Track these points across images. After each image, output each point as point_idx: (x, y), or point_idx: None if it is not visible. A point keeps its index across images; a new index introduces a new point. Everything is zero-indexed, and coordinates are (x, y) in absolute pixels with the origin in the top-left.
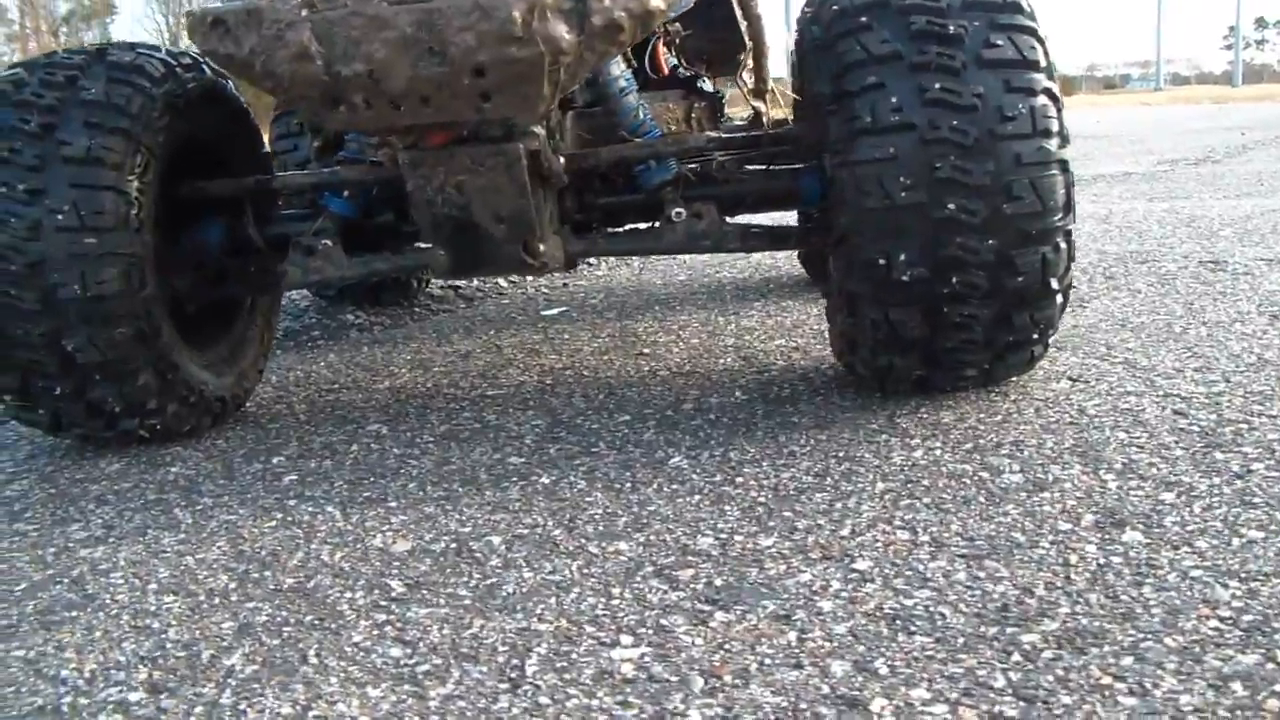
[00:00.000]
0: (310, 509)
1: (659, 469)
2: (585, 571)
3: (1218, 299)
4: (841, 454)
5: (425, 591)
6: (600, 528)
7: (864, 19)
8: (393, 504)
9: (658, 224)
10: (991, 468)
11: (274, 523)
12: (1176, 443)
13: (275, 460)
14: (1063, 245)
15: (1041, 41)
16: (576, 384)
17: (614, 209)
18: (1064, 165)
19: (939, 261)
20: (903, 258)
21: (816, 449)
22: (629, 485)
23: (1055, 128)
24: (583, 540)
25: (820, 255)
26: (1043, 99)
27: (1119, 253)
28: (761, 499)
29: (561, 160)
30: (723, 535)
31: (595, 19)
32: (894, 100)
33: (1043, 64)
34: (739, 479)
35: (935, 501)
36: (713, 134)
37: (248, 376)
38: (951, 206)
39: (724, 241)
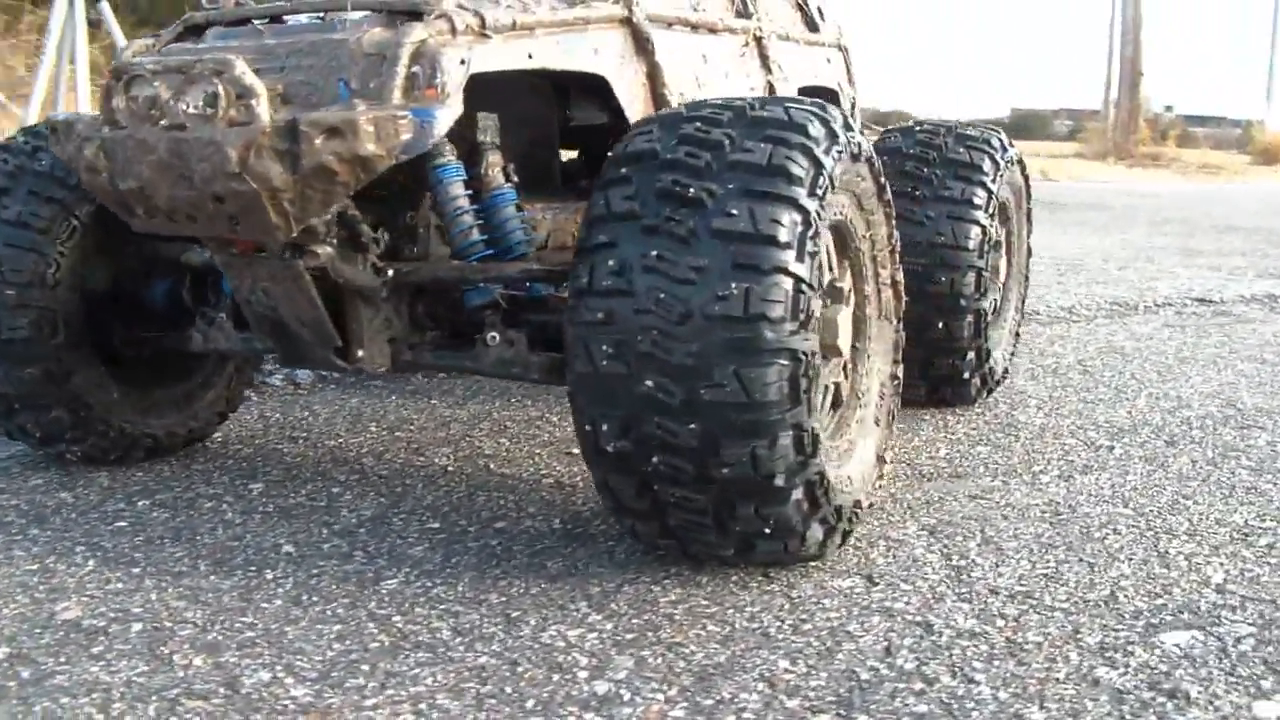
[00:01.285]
0: (82, 558)
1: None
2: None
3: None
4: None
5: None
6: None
7: (624, 170)
8: (132, 571)
9: (475, 346)
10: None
11: (35, 566)
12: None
13: (135, 504)
14: (785, 441)
15: (803, 213)
16: (462, 483)
17: (456, 325)
18: (792, 354)
19: (640, 438)
20: (605, 428)
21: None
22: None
23: (780, 312)
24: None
25: None
26: (775, 278)
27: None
28: (443, 635)
29: (389, 274)
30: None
31: (305, 161)
32: (614, 263)
33: (783, 239)
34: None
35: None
36: (535, 265)
37: (199, 418)
38: (650, 383)
39: (528, 372)
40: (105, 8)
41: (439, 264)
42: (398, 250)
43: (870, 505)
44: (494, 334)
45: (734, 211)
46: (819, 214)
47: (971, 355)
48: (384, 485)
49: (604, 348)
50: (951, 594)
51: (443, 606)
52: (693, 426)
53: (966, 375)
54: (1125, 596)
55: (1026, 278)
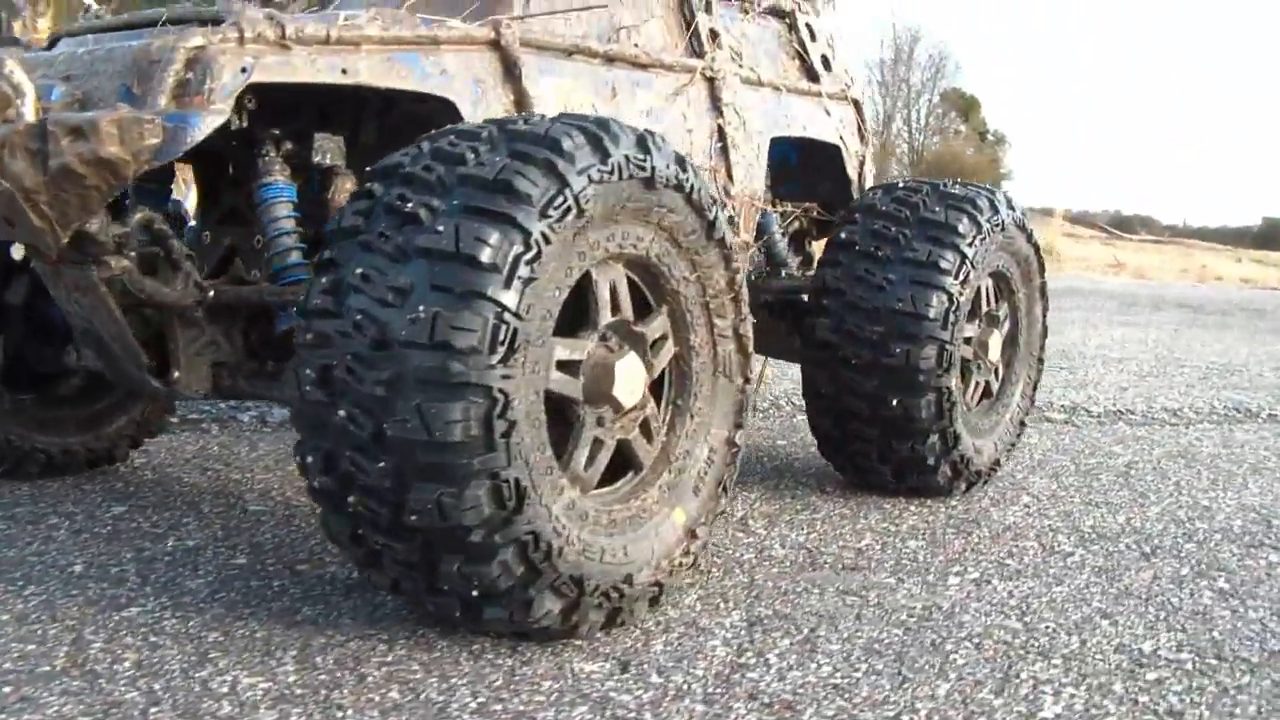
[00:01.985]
0: None
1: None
2: None
3: None
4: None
5: None
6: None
7: (371, 185)
8: None
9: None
10: None
11: None
12: None
13: None
14: (477, 491)
15: (523, 234)
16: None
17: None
18: (486, 391)
19: (339, 475)
20: (310, 461)
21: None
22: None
23: (470, 343)
24: None
25: None
26: (475, 304)
27: None
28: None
29: (209, 294)
30: None
31: (52, 162)
32: (327, 281)
33: (486, 260)
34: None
35: None
36: None
37: (104, 440)
38: (342, 413)
39: None
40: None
41: (258, 287)
42: (248, 271)
43: (662, 585)
44: None
45: (440, 228)
46: (547, 238)
47: (935, 439)
48: (242, 520)
49: (308, 372)
50: (699, 693)
51: (153, 639)
52: (382, 465)
53: (930, 461)
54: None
55: (1040, 360)
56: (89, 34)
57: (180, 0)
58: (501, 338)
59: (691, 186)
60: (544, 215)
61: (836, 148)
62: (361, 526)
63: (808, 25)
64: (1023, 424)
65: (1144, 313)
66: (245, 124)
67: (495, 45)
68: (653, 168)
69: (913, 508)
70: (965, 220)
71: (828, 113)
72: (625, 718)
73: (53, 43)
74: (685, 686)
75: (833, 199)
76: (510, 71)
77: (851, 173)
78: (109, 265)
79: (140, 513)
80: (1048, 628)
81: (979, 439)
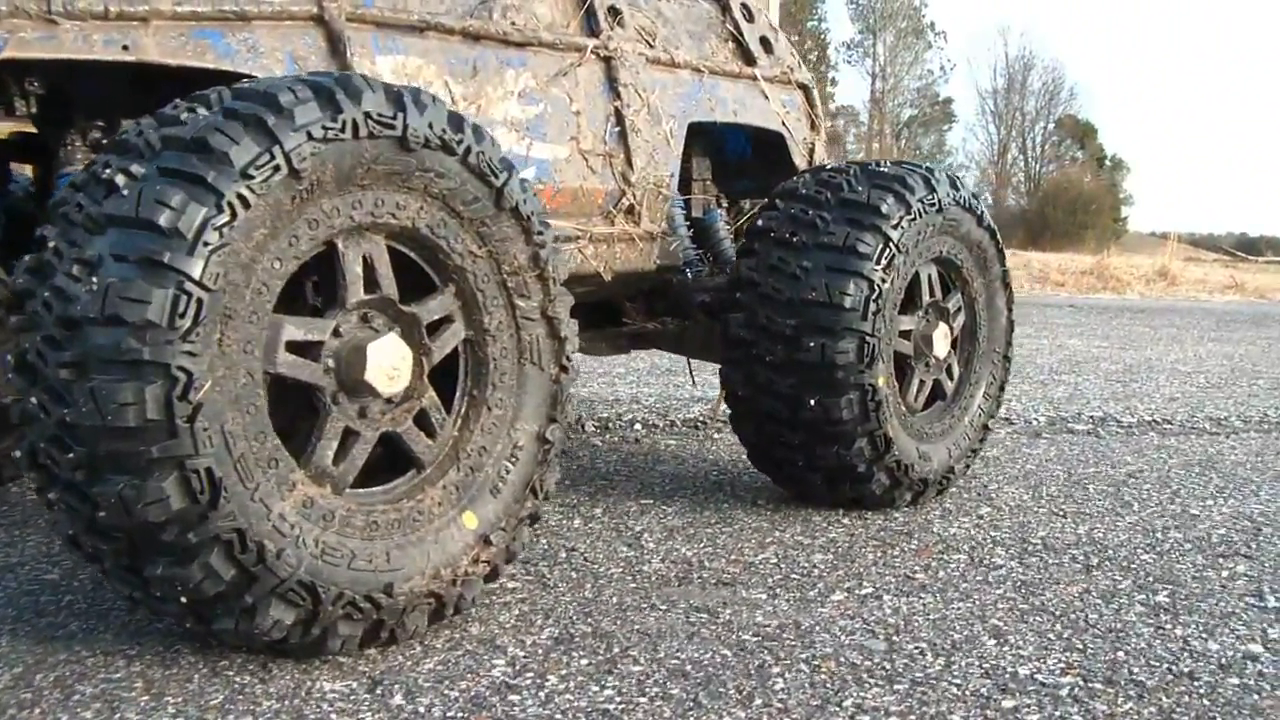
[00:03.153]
0: None
1: None
2: None
3: None
4: None
5: None
6: None
7: (96, 157)
8: None
9: None
10: None
11: None
12: None
13: None
14: (162, 483)
15: (215, 195)
16: None
17: None
18: (163, 370)
19: (41, 469)
20: (18, 454)
21: None
22: None
23: (146, 316)
24: None
25: None
26: (151, 273)
27: None
28: None
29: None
30: None
31: None
32: (32, 259)
33: (168, 226)
34: None
35: None
36: None
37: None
38: (34, 400)
39: None
40: None
41: None
42: None
43: (441, 597)
44: None
45: (126, 193)
46: (246, 200)
47: (862, 444)
48: None
49: (9, 358)
50: (436, 718)
51: None
52: (71, 456)
53: (861, 469)
54: None
55: (1006, 358)
56: None
57: None
58: (182, 310)
59: (467, 148)
60: (245, 176)
61: (780, 135)
62: (71, 526)
63: (744, 6)
64: (986, 428)
65: (1241, 329)
66: (32, 110)
67: (319, 20)
68: (405, 125)
69: (845, 520)
70: (891, 200)
71: (765, 96)
72: None
73: None
74: (425, 711)
75: None
76: (335, 48)
77: (799, 161)
78: None
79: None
80: (916, 649)
81: (926, 444)
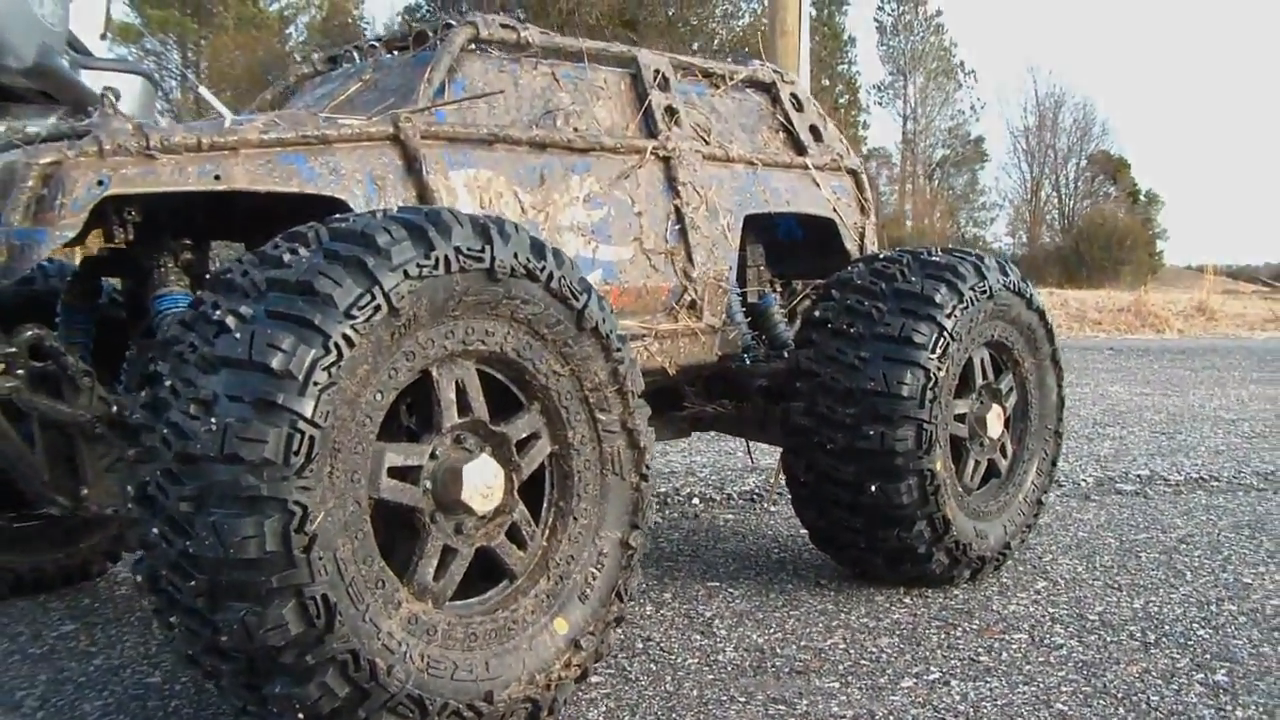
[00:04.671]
0: None
1: None
2: None
3: None
4: None
5: None
6: None
7: (200, 293)
8: None
9: None
10: None
11: None
12: None
13: None
14: (282, 610)
15: (322, 337)
16: None
17: None
18: (280, 504)
19: (162, 594)
20: (139, 578)
21: None
22: None
23: (263, 455)
24: None
25: None
26: (267, 414)
27: None
28: None
29: (112, 408)
30: None
31: None
32: (147, 394)
33: (281, 369)
34: None
35: None
36: None
37: (77, 555)
38: (155, 530)
39: None
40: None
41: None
42: None
43: (538, 701)
44: None
45: (239, 335)
46: (351, 340)
47: (922, 526)
48: None
49: (129, 488)
50: None
51: None
52: (193, 584)
53: (921, 550)
54: None
55: (1057, 434)
56: None
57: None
58: (296, 447)
59: (549, 274)
60: (349, 316)
61: (831, 221)
62: (190, 647)
63: (793, 96)
64: (1040, 503)
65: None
66: (130, 237)
67: (394, 140)
68: (493, 257)
69: (907, 600)
70: (944, 289)
71: (817, 184)
72: None
73: None
74: None
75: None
76: (411, 166)
77: (850, 246)
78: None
79: (87, 630)
80: None
81: (982, 522)
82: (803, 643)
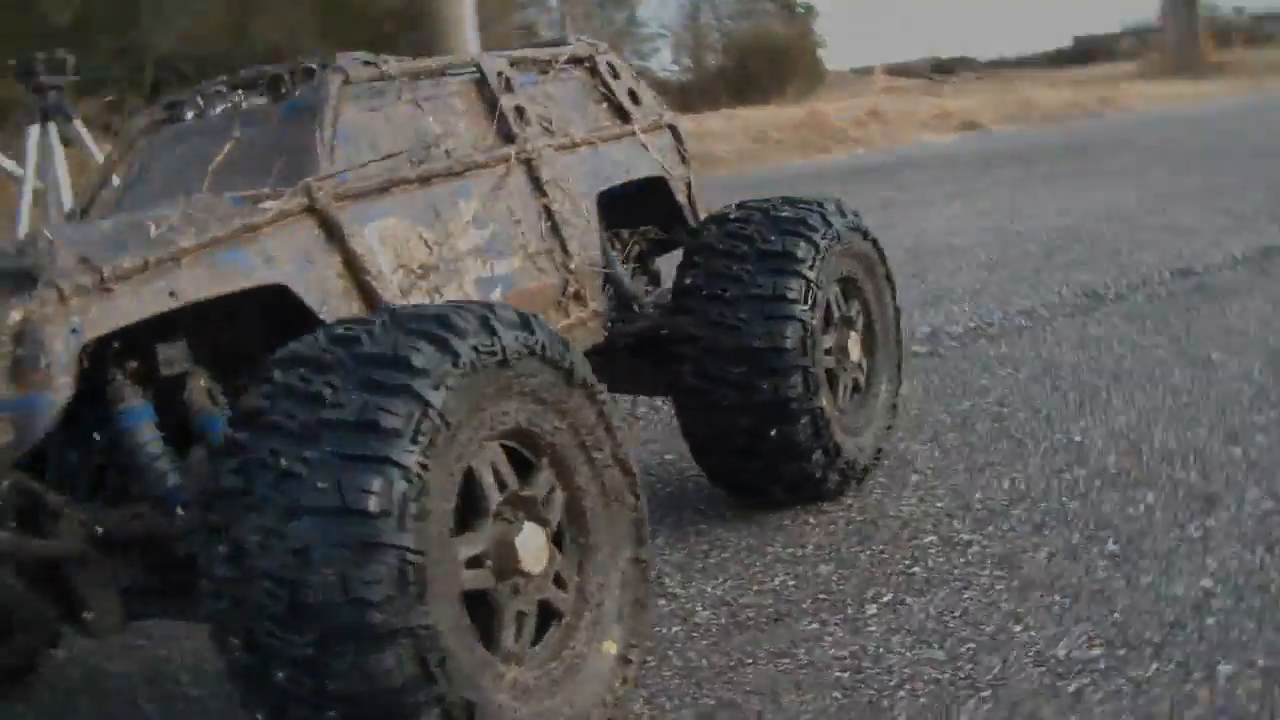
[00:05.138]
0: None
1: None
2: None
3: None
4: None
5: None
6: None
7: (237, 436)
8: None
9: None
10: None
11: None
12: None
13: None
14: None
15: (402, 471)
16: None
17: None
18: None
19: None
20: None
21: None
22: None
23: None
24: None
25: None
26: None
27: None
28: None
29: (98, 531)
30: None
31: None
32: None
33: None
34: None
35: None
36: None
37: (17, 652)
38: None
39: None
40: (79, 125)
41: (144, 521)
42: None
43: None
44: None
45: (320, 484)
46: (424, 464)
47: (818, 455)
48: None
49: (230, 641)
50: None
51: None
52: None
53: (818, 475)
54: None
55: (898, 343)
56: None
57: None
58: (412, 578)
59: (542, 345)
60: (414, 443)
61: (662, 179)
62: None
63: (609, 65)
64: (894, 407)
65: (973, 176)
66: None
67: (311, 210)
68: (503, 348)
69: (811, 519)
70: (803, 245)
71: (646, 147)
72: None
73: None
74: None
75: (667, 223)
76: (332, 235)
77: (680, 198)
78: None
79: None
80: (968, 651)
81: (858, 437)
82: (755, 587)
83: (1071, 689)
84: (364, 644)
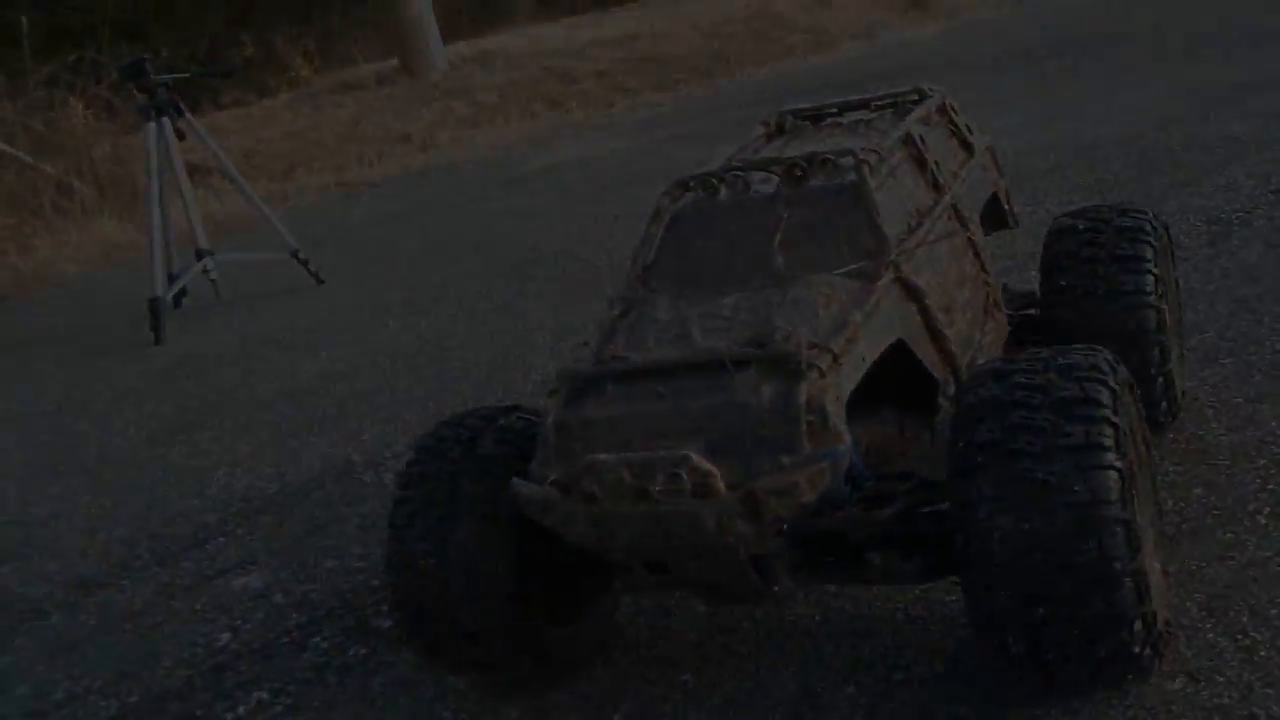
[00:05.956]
0: None
1: None
2: None
3: None
4: None
5: None
6: None
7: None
8: None
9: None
10: None
11: None
12: None
13: None
14: None
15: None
16: None
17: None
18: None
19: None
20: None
21: None
22: None
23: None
24: None
25: None
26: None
27: None
28: None
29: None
30: None
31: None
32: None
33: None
34: None
35: None
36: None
37: None
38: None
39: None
40: (191, 120)
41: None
42: None
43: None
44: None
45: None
46: None
47: (1161, 381)
48: None
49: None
50: (1258, 682)
51: None
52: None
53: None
54: None
55: (1179, 305)
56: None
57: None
58: (1134, 538)
59: (1129, 377)
60: (1119, 455)
61: (995, 193)
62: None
63: (950, 104)
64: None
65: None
66: None
67: (897, 279)
68: (1126, 379)
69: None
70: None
71: (985, 169)
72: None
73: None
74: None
75: (996, 228)
76: (910, 295)
77: (1005, 206)
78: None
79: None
80: None
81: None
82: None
83: None
84: (1110, 584)
